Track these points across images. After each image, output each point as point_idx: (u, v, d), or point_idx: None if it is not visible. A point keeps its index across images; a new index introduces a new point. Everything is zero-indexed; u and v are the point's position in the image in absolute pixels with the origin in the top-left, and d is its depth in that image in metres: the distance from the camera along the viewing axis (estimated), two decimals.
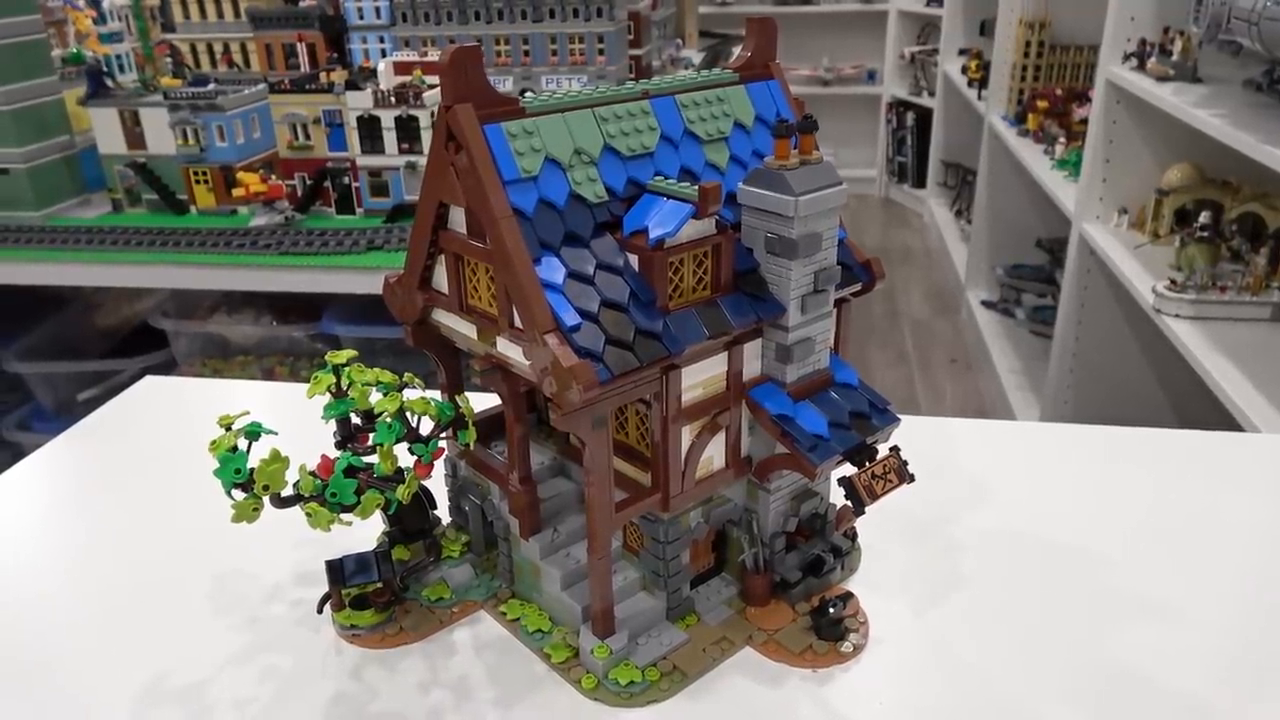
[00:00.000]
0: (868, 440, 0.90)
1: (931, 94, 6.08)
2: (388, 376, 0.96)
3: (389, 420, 0.90)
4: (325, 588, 0.95)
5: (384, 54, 3.35)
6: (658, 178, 0.85)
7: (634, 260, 0.82)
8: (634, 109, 0.86)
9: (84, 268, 2.34)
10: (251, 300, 2.53)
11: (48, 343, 2.70)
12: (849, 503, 0.91)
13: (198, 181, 2.54)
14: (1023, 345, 4.22)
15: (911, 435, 0.98)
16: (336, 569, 0.94)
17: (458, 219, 0.84)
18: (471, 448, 0.96)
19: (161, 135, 2.54)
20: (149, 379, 1.57)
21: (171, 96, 2.49)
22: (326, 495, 0.86)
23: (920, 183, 6.51)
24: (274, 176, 2.51)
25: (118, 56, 3.64)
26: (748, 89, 0.95)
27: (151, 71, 3.78)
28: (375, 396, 0.93)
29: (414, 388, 0.98)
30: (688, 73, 0.93)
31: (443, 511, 1.06)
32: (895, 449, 0.92)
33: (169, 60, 3.77)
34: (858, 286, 0.95)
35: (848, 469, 0.89)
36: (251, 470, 0.86)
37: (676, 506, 0.88)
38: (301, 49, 3.41)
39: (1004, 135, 4.21)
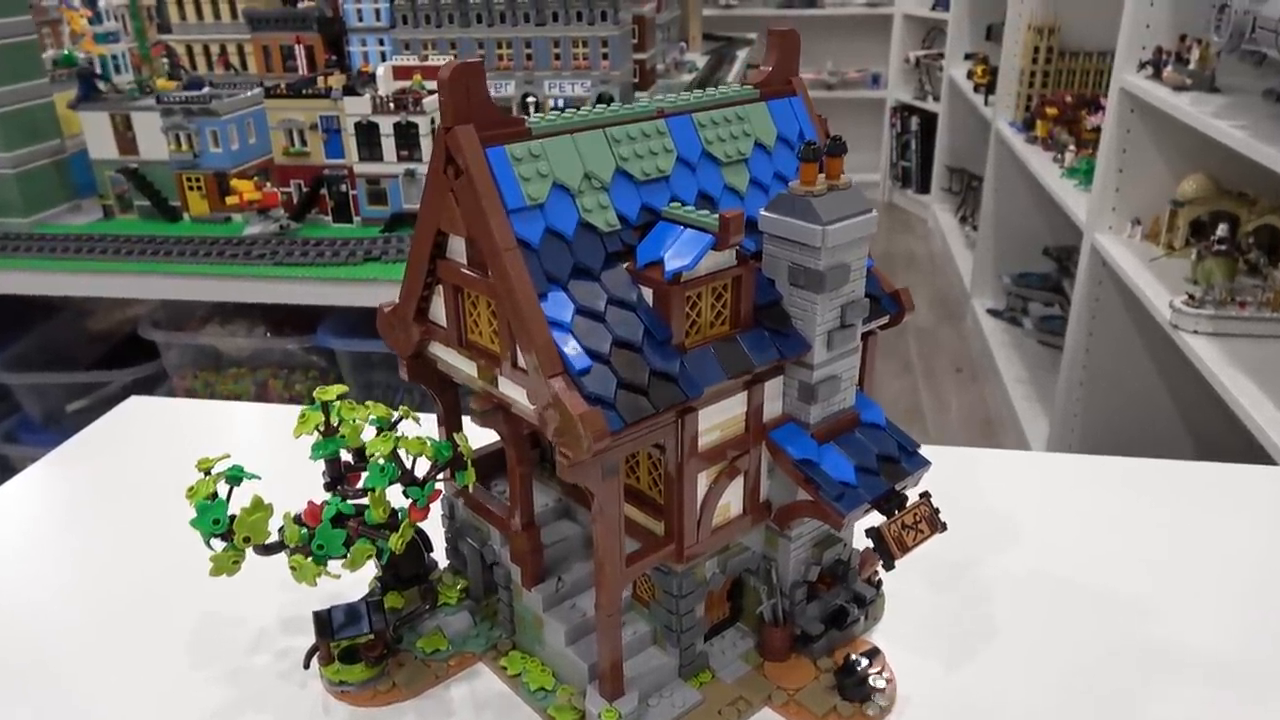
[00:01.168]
0: (897, 487, 0.84)
1: (936, 99, 6.01)
2: (381, 410, 0.89)
3: (382, 462, 0.83)
4: (313, 637, 0.88)
5: (384, 57, 3.29)
6: (674, 204, 0.79)
7: (648, 293, 0.75)
8: (648, 129, 0.80)
9: (72, 277, 2.28)
10: (245, 311, 2.46)
11: (36, 352, 2.63)
12: (874, 549, 0.84)
13: (191, 188, 2.48)
14: (1030, 355, 4.16)
15: (932, 468, 0.90)
16: (324, 620, 0.87)
17: (457, 248, 0.77)
18: (470, 489, 0.90)
19: (154, 140, 2.48)
20: (135, 399, 1.50)
21: (164, 100, 2.42)
22: (313, 547, 0.80)
23: (924, 188, 6.45)
24: (269, 184, 2.44)
25: (114, 57, 3.57)
26: (769, 106, 0.89)
27: (149, 72, 3.72)
28: (369, 433, 0.86)
29: (409, 419, 0.92)
30: (695, 87, 0.86)
31: (439, 554, 1.00)
32: (926, 496, 0.85)
33: (165, 61, 3.71)
34: (885, 319, 0.89)
35: (874, 517, 0.83)
36: (232, 518, 0.79)
37: (692, 557, 0.82)
38: (300, 51, 3.34)
39: (1011, 142, 4.15)
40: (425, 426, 0.93)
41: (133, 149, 2.51)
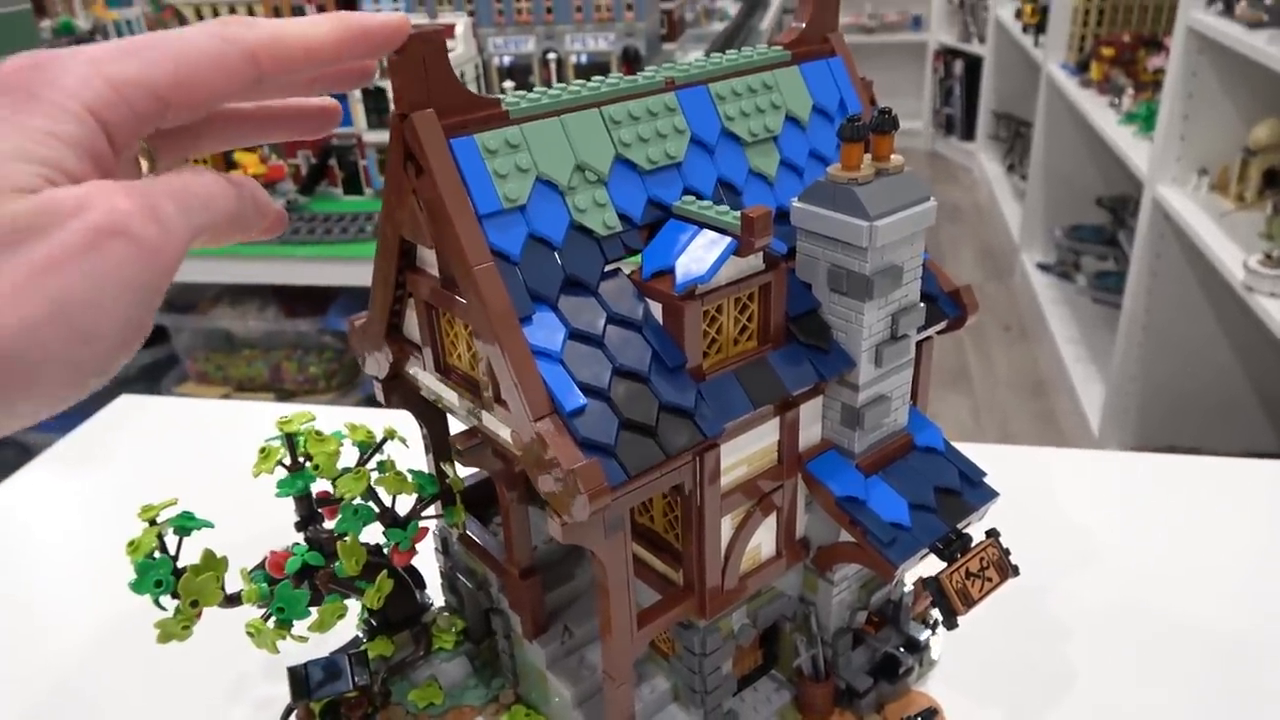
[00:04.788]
0: (960, 526, 0.71)
1: (982, 40, 5.73)
2: (362, 433, 0.78)
3: (356, 504, 0.72)
4: None
5: None
6: (688, 197, 0.65)
7: (656, 308, 0.62)
8: (655, 105, 0.66)
9: None
10: (256, 291, 2.36)
11: None
12: (928, 590, 0.71)
13: (195, 162, 2.35)
14: (1083, 313, 3.96)
15: (995, 472, 0.76)
16: (300, 678, 0.76)
17: (429, 257, 0.64)
18: (460, 529, 0.78)
19: None
20: (125, 398, 1.40)
21: None
22: (272, 609, 0.69)
23: (969, 135, 6.19)
24: (274, 156, 2.32)
25: (127, 21, 3.46)
26: (802, 71, 0.74)
27: None
28: (351, 455, 0.75)
29: (395, 440, 0.81)
30: (726, 37, 0.72)
31: (434, 589, 0.89)
32: (993, 534, 0.72)
33: (177, 25, 3.59)
34: (943, 324, 0.75)
35: (932, 559, 0.70)
36: (184, 572, 0.68)
37: (715, 611, 0.69)
38: (311, 11, 3.20)
39: (1064, 85, 3.91)
40: (416, 449, 0.82)
41: None
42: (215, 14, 3.34)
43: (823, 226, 0.64)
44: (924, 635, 0.82)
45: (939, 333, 0.76)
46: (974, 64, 5.93)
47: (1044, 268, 4.35)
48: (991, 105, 5.61)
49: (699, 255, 0.60)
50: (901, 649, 0.80)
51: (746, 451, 0.67)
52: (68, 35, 2.74)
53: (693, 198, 0.65)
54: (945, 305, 0.75)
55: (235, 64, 0.43)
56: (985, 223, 5.43)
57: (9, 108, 0.37)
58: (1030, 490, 1.07)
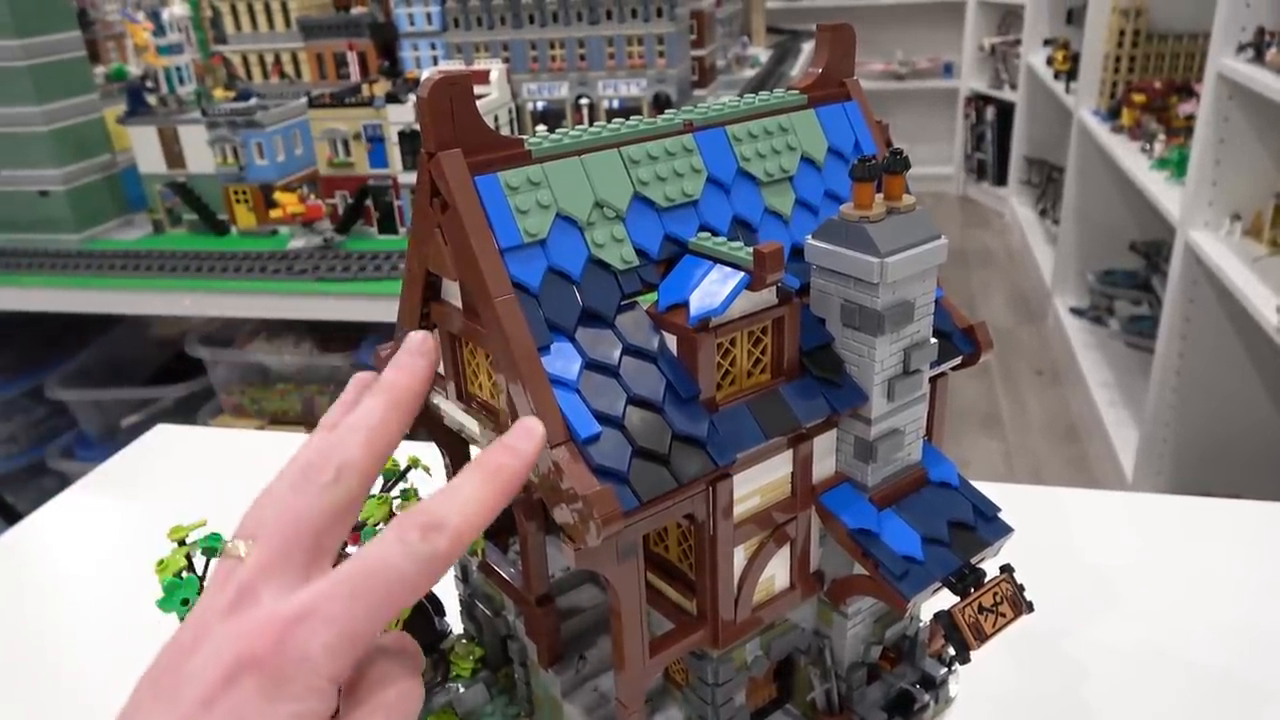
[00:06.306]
0: (973, 561, 0.71)
1: (1013, 87, 5.76)
2: (387, 461, 0.80)
3: (379, 529, 0.74)
4: None
5: (435, 61, 3.23)
6: (703, 233, 0.67)
7: (671, 340, 0.64)
8: (673, 146, 0.68)
9: (120, 295, 2.25)
10: (292, 326, 2.41)
11: (90, 368, 2.62)
12: (941, 623, 0.71)
13: (238, 201, 2.44)
14: (1117, 358, 3.93)
15: (1015, 512, 0.76)
16: None
17: (452, 290, 0.67)
18: (480, 556, 0.80)
19: (201, 153, 2.44)
20: (161, 428, 1.44)
21: (210, 113, 2.38)
22: None
23: (1001, 180, 6.19)
24: (313, 196, 2.39)
25: (177, 68, 3.59)
26: (818, 114, 0.77)
27: (212, 82, 3.73)
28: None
29: (419, 469, 0.83)
30: (757, 83, 0.74)
31: (453, 617, 0.90)
32: (1007, 570, 0.72)
33: (225, 71, 3.72)
34: (958, 360, 0.76)
35: (946, 594, 0.71)
36: None
37: (728, 641, 0.70)
38: (352, 58, 3.30)
39: (1095, 131, 3.92)
40: (439, 477, 0.84)
41: (180, 163, 2.48)
42: (261, 61, 3.45)
43: (835, 263, 0.66)
44: (940, 673, 0.82)
45: (954, 369, 0.77)
46: (1005, 110, 5.95)
47: (1077, 312, 4.32)
48: (1023, 151, 5.63)
49: (713, 289, 0.62)
50: (917, 685, 0.80)
51: (760, 483, 0.68)
52: (120, 80, 2.85)
53: (708, 234, 0.67)
54: (959, 341, 0.76)
55: (435, 575, 0.47)
56: (1017, 267, 5.41)
57: (260, 693, 0.40)
58: (1057, 531, 1.07)
